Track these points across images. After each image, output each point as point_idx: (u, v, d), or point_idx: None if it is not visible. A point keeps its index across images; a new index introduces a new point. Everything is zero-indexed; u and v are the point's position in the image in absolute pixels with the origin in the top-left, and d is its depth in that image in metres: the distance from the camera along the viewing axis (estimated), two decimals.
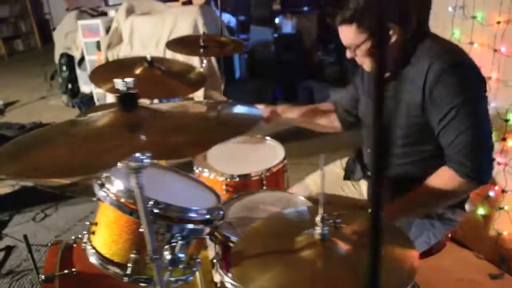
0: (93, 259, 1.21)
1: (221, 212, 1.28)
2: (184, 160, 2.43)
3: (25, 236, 1.67)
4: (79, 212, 3.00)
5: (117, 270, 1.18)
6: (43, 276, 1.39)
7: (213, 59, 4.09)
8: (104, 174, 1.20)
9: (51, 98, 5.72)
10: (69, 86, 5.23)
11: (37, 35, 8.98)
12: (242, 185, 1.82)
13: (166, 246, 1.13)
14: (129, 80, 1.01)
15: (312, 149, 3.49)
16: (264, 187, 1.80)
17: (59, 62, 5.19)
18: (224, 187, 1.82)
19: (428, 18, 1.42)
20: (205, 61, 2.32)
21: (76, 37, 4.91)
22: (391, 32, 1.31)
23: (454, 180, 1.29)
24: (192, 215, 1.20)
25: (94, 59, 4.72)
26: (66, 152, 0.98)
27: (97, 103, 4.91)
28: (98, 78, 1.92)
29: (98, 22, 4.68)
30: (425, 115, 1.31)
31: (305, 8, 5.91)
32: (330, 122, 1.81)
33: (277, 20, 5.60)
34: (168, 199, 1.16)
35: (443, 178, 1.31)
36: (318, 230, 1.02)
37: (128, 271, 1.15)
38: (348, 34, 1.34)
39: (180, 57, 3.00)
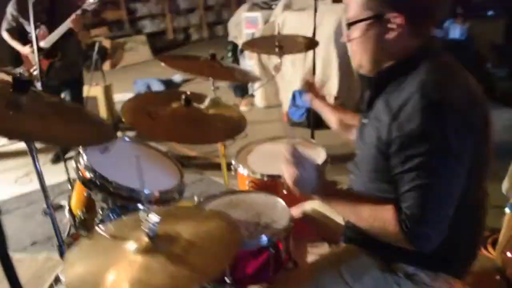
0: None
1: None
2: None
3: None
4: None
5: (71, 221, 1.44)
6: None
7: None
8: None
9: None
10: None
11: None
12: (265, 185, 1.90)
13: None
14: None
15: None
16: (284, 191, 1.80)
17: (226, 48, 5.81)
18: (247, 182, 1.94)
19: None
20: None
21: (241, 27, 5.41)
22: (392, 22, 1.10)
23: (391, 222, 1.07)
24: (122, 193, 1.36)
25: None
26: None
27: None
28: None
29: (258, 15, 5.05)
30: (389, 153, 1.12)
31: (490, 12, 5.12)
32: None
33: (446, 23, 5.02)
34: (115, 174, 1.35)
35: (384, 212, 1.09)
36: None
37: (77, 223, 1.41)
38: (354, 2, 1.14)
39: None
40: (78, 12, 3.15)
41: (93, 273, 0.89)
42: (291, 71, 4.58)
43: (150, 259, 0.91)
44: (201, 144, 3.55)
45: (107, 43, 7.73)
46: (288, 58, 4.55)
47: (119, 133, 3.80)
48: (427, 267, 1.21)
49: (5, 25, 3.37)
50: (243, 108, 5.03)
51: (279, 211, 1.56)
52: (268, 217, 1.54)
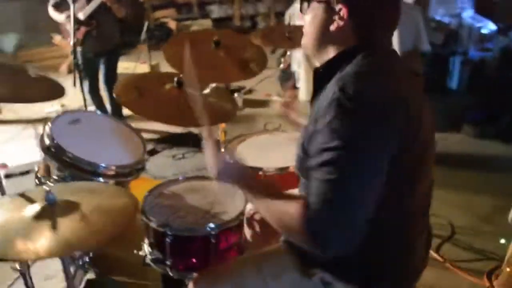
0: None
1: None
2: None
3: None
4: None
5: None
6: None
7: None
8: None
9: None
10: (282, 60, 5.75)
11: None
12: None
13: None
14: None
15: None
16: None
17: None
18: None
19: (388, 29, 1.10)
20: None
21: (295, 18, 5.34)
22: (337, 13, 1.05)
23: (296, 218, 0.97)
24: (82, 165, 1.42)
25: None
26: None
27: None
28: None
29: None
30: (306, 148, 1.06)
31: None
32: None
33: None
34: (76, 146, 1.42)
35: (292, 207, 0.99)
36: None
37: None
38: None
39: None
40: None
41: None
42: None
43: (42, 223, 0.95)
44: (181, 126, 3.58)
45: (173, 25, 7.99)
46: None
47: None
48: (345, 279, 1.13)
49: (51, 1, 3.58)
50: (286, 99, 4.99)
51: (235, 203, 1.54)
52: (221, 207, 1.53)
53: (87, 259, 1.88)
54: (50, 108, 4.91)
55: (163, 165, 3.53)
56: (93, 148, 1.51)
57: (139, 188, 1.71)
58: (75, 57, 2.93)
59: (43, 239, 0.90)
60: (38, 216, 0.97)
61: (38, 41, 6.19)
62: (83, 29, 3.43)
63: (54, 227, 0.93)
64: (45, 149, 1.46)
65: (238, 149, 2.06)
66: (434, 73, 4.81)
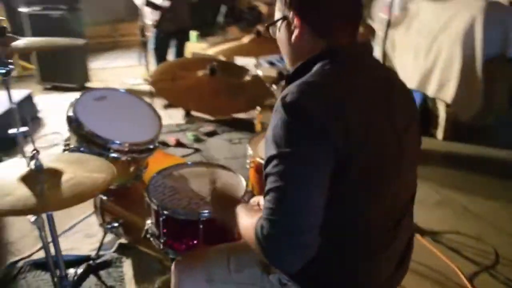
0: None
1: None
2: None
3: None
4: None
5: None
6: None
7: None
8: None
9: None
10: None
11: None
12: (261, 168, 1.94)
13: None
14: None
15: None
16: None
17: None
18: (248, 161, 2.02)
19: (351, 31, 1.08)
20: None
21: (378, 11, 5.10)
22: (293, 23, 1.06)
23: (251, 228, 1.00)
24: (97, 140, 1.56)
25: (379, 35, 4.82)
26: None
27: None
28: None
29: (396, 0, 4.68)
30: None
31: None
32: None
33: None
34: (95, 121, 1.57)
35: (254, 220, 1.01)
36: None
37: None
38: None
39: None
40: None
41: None
42: (412, 66, 4.19)
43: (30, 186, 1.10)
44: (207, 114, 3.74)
45: (264, 9, 8.07)
46: (411, 51, 4.17)
47: None
48: (300, 282, 1.12)
49: None
50: None
51: (235, 193, 1.59)
52: (228, 195, 1.59)
53: (116, 224, 2.05)
54: (133, 80, 5.33)
55: (218, 147, 3.67)
56: (111, 124, 1.65)
57: (161, 164, 1.84)
58: (143, 36, 3.17)
59: (23, 197, 1.05)
60: (24, 178, 1.13)
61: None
62: (158, 12, 3.68)
63: (33, 188, 1.07)
64: (68, 121, 1.64)
65: (260, 144, 2.08)
66: None
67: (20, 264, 2.24)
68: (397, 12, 4.71)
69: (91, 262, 2.17)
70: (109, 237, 2.37)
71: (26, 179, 1.13)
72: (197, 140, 3.78)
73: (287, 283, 1.15)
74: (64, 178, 1.15)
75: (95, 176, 1.17)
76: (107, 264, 2.21)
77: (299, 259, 0.95)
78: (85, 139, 1.60)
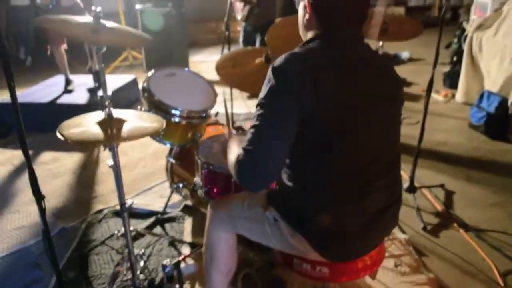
0: None
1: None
2: None
3: None
4: None
5: None
6: None
7: None
8: None
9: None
10: (455, 58, 5.39)
11: None
12: None
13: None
14: None
15: None
16: None
17: (454, 34, 5.43)
18: None
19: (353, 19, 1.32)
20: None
21: (471, 12, 4.95)
22: (306, 7, 1.34)
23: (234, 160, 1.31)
24: (162, 106, 1.96)
25: (468, 36, 4.69)
26: None
27: None
28: None
29: (488, 1, 4.53)
30: None
31: None
32: None
33: None
34: (165, 91, 1.98)
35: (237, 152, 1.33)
36: None
37: None
38: None
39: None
40: None
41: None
42: (497, 69, 4.05)
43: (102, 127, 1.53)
44: None
45: None
46: (498, 54, 4.04)
47: None
48: (286, 220, 1.38)
49: None
50: (440, 98, 4.77)
51: None
52: None
53: (181, 185, 2.46)
54: None
55: None
56: (175, 95, 2.04)
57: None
58: (226, 30, 3.53)
59: (95, 133, 1.48)
60: (99, 122, 1.56)
61: None
62: (247, 7, 4.03)
63: (104, 128, 1.51)
64: (142, 90, 2.06)
65: None
66: None
67: (105, 211, 2.78)
68: (488, 14, 4.57)
69: (159, 216, 2.62)
70: (179, 198, 2.81)
71: (101, 123, 1.56)
72: None
73: (278, 219, 1.42)
74: (126, 124, 1.55)
75: (148, 124, 1.56)
76: (171, 219, 2.64)
77: (259, 183, 1.28)
78: (154, 105, 2.01)
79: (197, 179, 1.98)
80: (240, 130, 4.05)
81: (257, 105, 1.27)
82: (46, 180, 3.23)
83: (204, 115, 2.05)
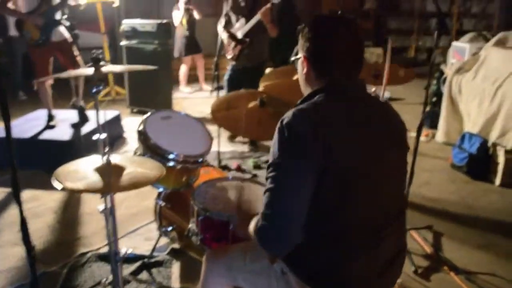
0: None
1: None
2: None
3: None
4: None
5: None
6: None
7: None
8: None
9: None
10: (434, 99, 5.54)
11: None
12: None
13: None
14: None
15: None
16: None
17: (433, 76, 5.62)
18: None
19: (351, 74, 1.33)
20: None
21: (449, 55, 5.16)
22: (303, 61, 1.36)
23: (254, 226, 1.28)
24: (158, 150, 1.94)
25: (447, 79, 4.86)
26: None
27: None
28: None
29: (466, 46, 4.74)
30: None
31: None
32: None
33: None
34: (160, 135, 1.96)
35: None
36: None
37: None
38: None
39: None
40: (268, 5, 3.70)
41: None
42: (476, 111, 4.20)
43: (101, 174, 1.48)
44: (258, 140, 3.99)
45: None
46: (477, 96, 4.19)
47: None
48: (295, 272, 1.34)
49: (222, 21, 4.19)
50: (422, 138, 4.88)
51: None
52: (250, 205, 1.87)
53: (170, 228, 2.39)
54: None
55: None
56: (171, 139, 2.02)
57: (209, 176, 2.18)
58: (216, 69, 3.53)
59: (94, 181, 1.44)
60: (98, 169, 1.51)
61: None
62: (239, 47, 4.00)
63: (103, 176, 1.45)
64: (138, 134, 2.04)
65: None
66: None
67: (88, 255, 2.66)
68: (466, 58, 4.77)
69: (145, 260, 2.53)
70: (165, 241, 2.72)
71: (98, 170, 1.51)
72: (257, 167, 4.10)
73: (287, 272, 1.38)
74: (125, 172, 1.52)
75: (148, 172, 1.52)
76: (158, 264, 2.55)
77: (283, 247, 1.25)
78: (149, 149, 1.98)
79: (192, 226, 1.94)
80: (226, 168, 4.04)
81: (270, 166, 1.24)
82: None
83: (200, 160, 2.03)
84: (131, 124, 5.12)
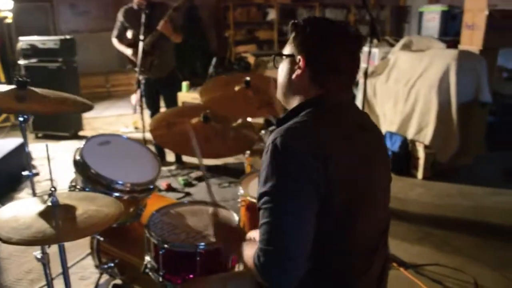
0: None
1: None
2: None
3: None
4: None
5: None
6: None
7: None
8: None
9: None
10: None
11: None
12: (253, 207, 2.07)
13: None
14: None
15: None
16: None
17: None
18: (239, 200, 2.15)
19: (347, 84, 1.22)
20: None
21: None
22: (298, 63, 1.18)
23: (252, 257, 1.13)
24: (102, 181, 1.70)
25: (360, 82, 5.12)
26: None
27: None
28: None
29: (375, 50, 5.03)
30: None
31: None
32: None
33: None
34: (100, 163, 1.72)
35: (254, 251, 1.14)
36: None
37: None
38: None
39: None
40: (165, 18, 3.59)
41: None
42: (392, 111, 4.46)
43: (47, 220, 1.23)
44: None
45: (251, 60, 8.46)
46: (391, 98, 4.45)
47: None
48: None
49: (115, 32, 4.00)
50: None
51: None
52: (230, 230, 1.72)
53: (112, 264, 2.14)
54: (124, 128, 5.50)
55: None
56: (114, 166, 1.80)
57: (157, 205, 1.97)
58: (139, 87, 3.31)
59: (42, 229, 1.18)
60: (41, 214, 1.26)
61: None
62: (149, 58, 3.77)
63: (50, 222, 1.20)
64: (75, 164, 1.78)
65: (252, 181, 2.23)
66: (502, 125, 4.61)
67: None
68: (376, 62, 5.06)
69: None
70: (104, 278, 2.44)
71: (44, 214, 1.26)
72: (188, 184, 3.93)
73: None
74: (77, 212, 1.28)
75: (105, 210, 1.31)
76: None
77: (289, 281, 1.09)
78: (90, 180, 1.73)
79: (149, 261, 1.73)
80: (170, 189, 3.78)
81: (264, 195, 1.09)
82: None
83: (150, 186, 1.83)
84: (39, 151, 4.62)
